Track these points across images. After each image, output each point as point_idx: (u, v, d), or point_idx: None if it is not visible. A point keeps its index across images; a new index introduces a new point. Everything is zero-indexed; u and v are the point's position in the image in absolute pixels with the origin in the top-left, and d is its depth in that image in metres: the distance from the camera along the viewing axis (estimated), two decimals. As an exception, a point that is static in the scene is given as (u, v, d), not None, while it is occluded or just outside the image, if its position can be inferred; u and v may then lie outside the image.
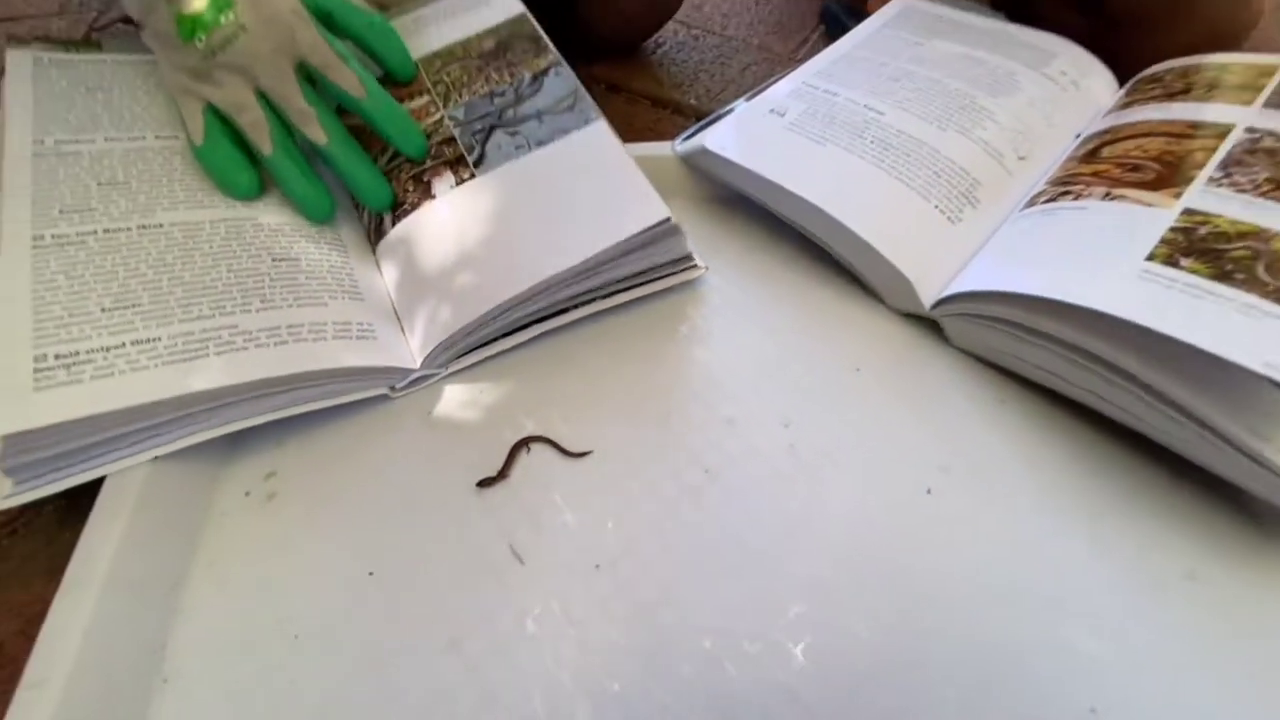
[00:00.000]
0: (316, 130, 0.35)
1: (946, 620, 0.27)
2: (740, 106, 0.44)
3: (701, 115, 0.52)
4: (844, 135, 0.40)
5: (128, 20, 0.50)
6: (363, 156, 0.36)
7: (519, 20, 0.42)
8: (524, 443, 0.32)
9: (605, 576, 0.28)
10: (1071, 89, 0.44)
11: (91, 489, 0.27)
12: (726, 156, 0.40)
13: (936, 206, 0.37)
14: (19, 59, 0.37)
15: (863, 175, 0.38)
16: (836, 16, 0.61)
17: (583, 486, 0.31)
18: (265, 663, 0.26)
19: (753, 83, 0.56)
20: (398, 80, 0.40)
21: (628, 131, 0.51)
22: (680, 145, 0.44)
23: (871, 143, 0.39)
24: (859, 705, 0.25)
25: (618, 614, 0.27)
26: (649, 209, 0.34)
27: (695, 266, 0.38)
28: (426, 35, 0.42)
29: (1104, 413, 0.32)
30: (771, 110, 0.42)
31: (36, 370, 0.26)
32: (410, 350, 0.34)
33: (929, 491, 0.31)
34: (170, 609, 0.27)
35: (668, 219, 0.33)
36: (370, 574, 0.28)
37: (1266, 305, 0.27)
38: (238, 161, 0.34)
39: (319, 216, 0.36)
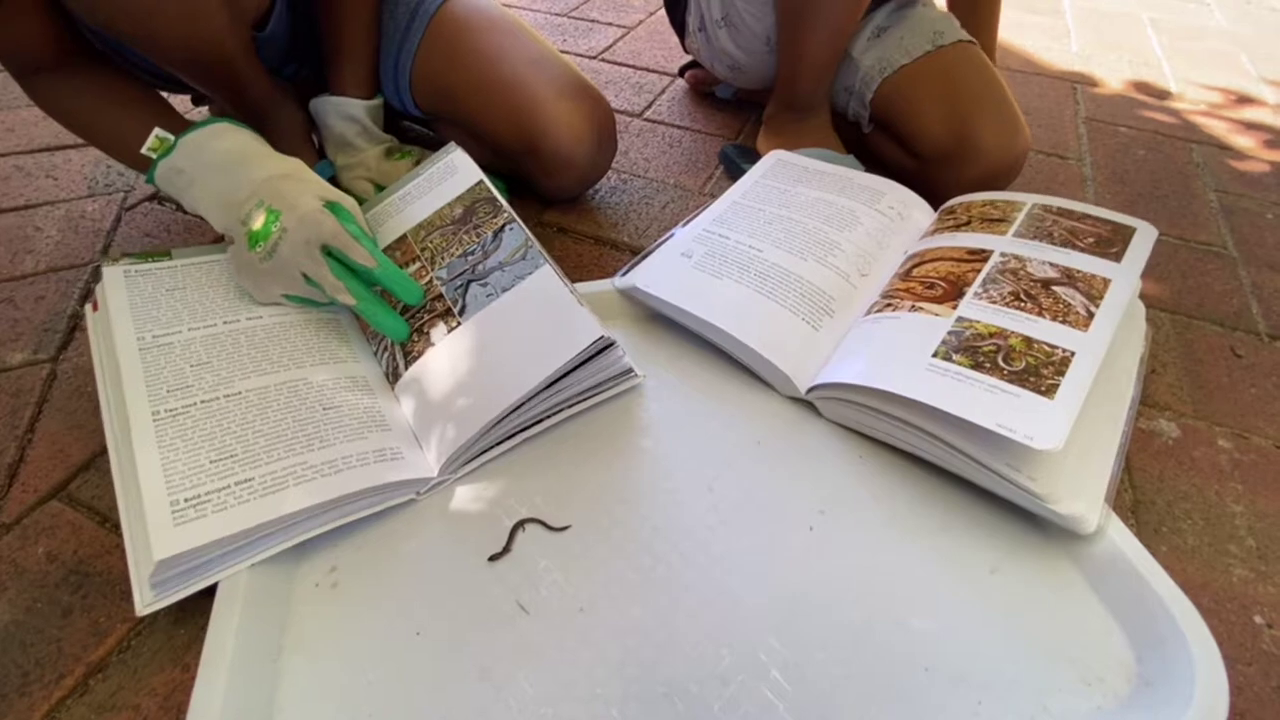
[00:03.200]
0: (347, 297, 0.48)
1: (826, 613, 0.39)
2: (659, 249, 0.59)
3: (635, 250, 0.67)
4: (734, 270, 0.54)
5: (155, 197, 0.64)
6: (382, 303, 0.49)
7: (478, 187, 0.56)
8: (520, 524, 0.43)
9: (588, 616, 0.39)
10: (898, 219, 0.60)
11: (203, 593, 0.37)
12: (651, 292, 0.54)
13: (804, 319, 0.52)
14: (113, 273, 0.48)
15: (749, 300, 0.52)
16: (732, 158, 0.78)
17: (566, 552, 0.42)
18: (348, 705, 0.36)
19: (672, 217, 0.72)
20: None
21: (576, 268, 0.65)
22: (618, 281, 0.58)
23: (754, 275, 0.54)
24: (768, 660, 0.37)
25: (596, 640, 0.38)
26: (587, 333, 0.45)
27: (635, 376, 0.51)
28: (412, 210, 0.56)
29: (928, 459, 0.46)
30: (682, 254, 0.57)
31: (173, 511, 0.37)
32: (428, 463, 0.45)
33: (811, 529, 0.44)
34: (274, 677, 0.37)
35: (602, 337, 0.45)
36: (417, 634, 0.39)
37: (1003, 385, 0.42)
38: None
39: (401, 337, 0.49)
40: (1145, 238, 0.51)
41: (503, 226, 0.53)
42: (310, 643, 0.39)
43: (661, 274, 0.55)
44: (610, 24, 1.13)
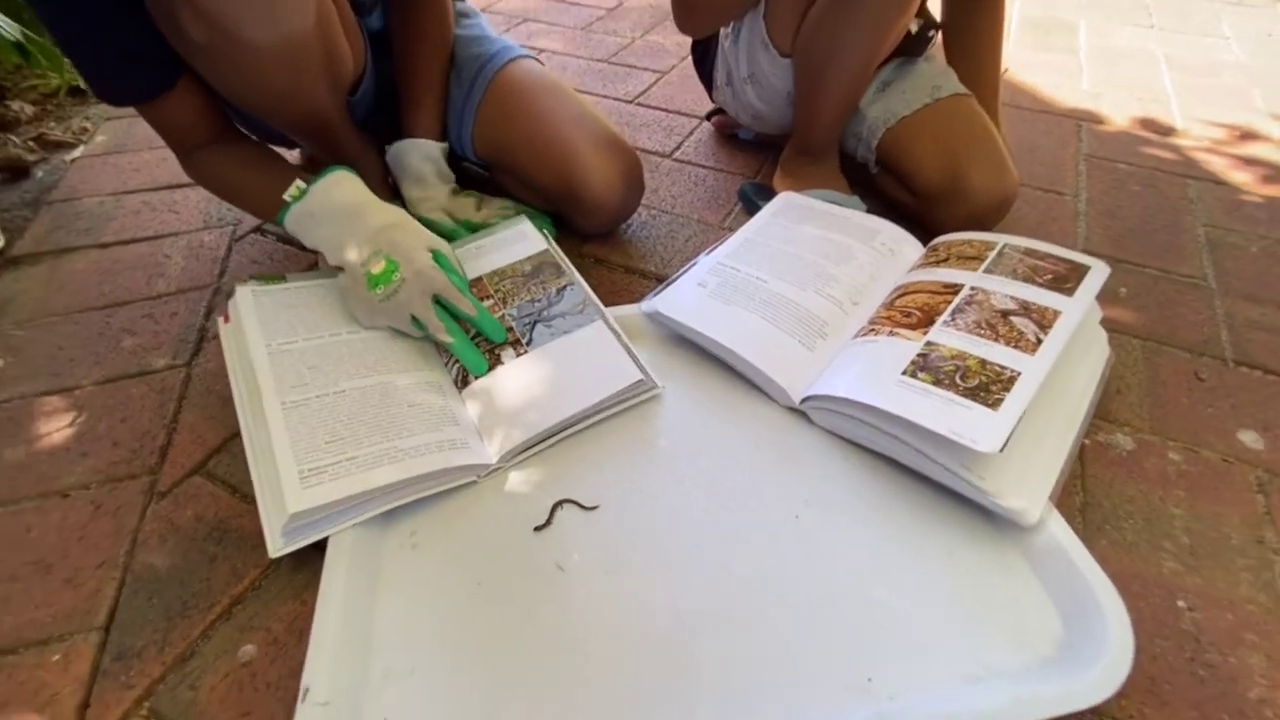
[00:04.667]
0: (445, 336, 0.59)
1: (802, 583, 0.49)
2: (680, 279, 0.69)
3: (660, 278, 0.77)
4: (742, 298, 0.64)
5: (258, 229, 0.78)
6: (470, 344, 0.60)
7: (545, 253, 0.69)
8: (559, 503, 0.54)
9: (612, 577, 0.49)
10: (890, 255, 0.69)
11: (313, 550, 0.49)
12: (672, 316, 0.64)
13: (799, 341, 0.61)
14: (244, 293, 0.61)
15: (754, 324, 0.62)
16: (749, 196, 0.88)
17: (595, 526, 0.53)
18: (424, 635, 0.47)
19: (694, 250, 0.82)
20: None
21: (610, 294, 0.76)
22: (644, 306, 0.68)
23: (759, 303, 0.64)
24: (749, 616, 0.46)
25: (618, 595, 0.48)
26: (627, 375, 0.59)
27: (656, 388, 0.61)
28: (488, 259, 0.69)
29: (901, 461, 0.55)
30: (698, 284, 0.67)
31: (300, 478, 0.48)
32: (488, 453, 0.56)
33: (797, 517, 0.53)
34: (370, 610, 0.48)
35: (640, 381, 0.58)
36: (478, 584, 0.49)
37: (958, 399, 0.50)
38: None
39: (480, 371, 0.60)
40: (1097, 275, 0.59)
41: (565, 286, 0.66)
42: (396, 587, 0.50)
43: (681, 301, 0.66)
44: (647, 69, 1.25)
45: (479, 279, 0.68)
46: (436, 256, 0.61)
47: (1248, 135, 1.08)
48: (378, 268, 0.58)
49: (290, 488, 0.48)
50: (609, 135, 0.77)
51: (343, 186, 0.63)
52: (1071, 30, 1.44)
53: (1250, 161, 1.02)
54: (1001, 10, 0.84)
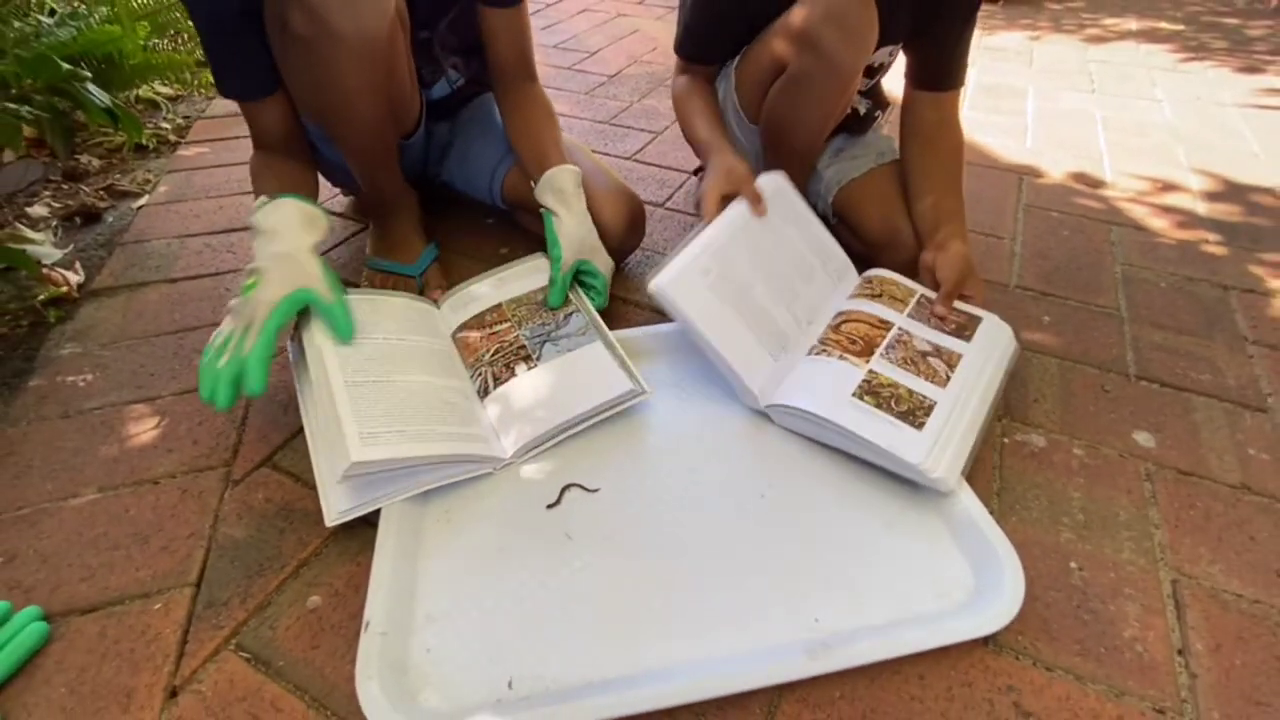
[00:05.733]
0: (239, 352, 0.65)
1: (765, 545, 0.60)
2: (686, 258, 0.73)
3: (653, 309, 0.91)
4: (734, 298, 0.73)
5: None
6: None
7: None
8: (567, 486, 0.66)
9: (615, 540, 0.61)
10: (837, 280, 0.83)
11: (362, 525, 0.60)
12: (677, 305, 0.70)
13: (768, 351, 0.74)
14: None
15: (740, 332, 0.73)
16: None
17: (597, 504, 0.64)
18: (460, 591, 0.58)
19: (681, 283, 0.96)
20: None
21: (611, 320, 0.89)
22: (652, 286, 0.70)
23: (747, 309, 0.73)
24: (719, 568, 0.57)
25: (617, 554, 0.60)
26: (619, 386, 0.71)
27: (646, 393, 0.73)
28: (508, 288, 0.83)
29: (849, 451, 0.67)
30: (703, 271, 0.73)
31: (360, 436, 0.60)
32: (504, 448, 0.68)
33: (763, 496, 0.65)
34: (413, 572, 0.59)
35: (630, 390, 0.70)
36: (500, 550, 0.61)
37: (893, 419, 0.63)
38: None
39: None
40: (989, 325, 0.75)
41: (571, 312, 0.80)
42: (435, 552, 0.61)
43: (685, 288, 0.71)
44: (643, 129, 1.42)
45: (498, 305, 0.81)
46: (296, 296, 0.66)
47: (1169, 187, 1.24)
48: (246, 280, 0.67)
49: (353, 443, 0.59)
50: (619, 183, 0.93)
51: (281, 210, 0.69)
52: (1020, 95, 1.62)
53: (1168, 210, 1.17)
54: (954, 153, 0.89)
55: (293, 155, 0.84)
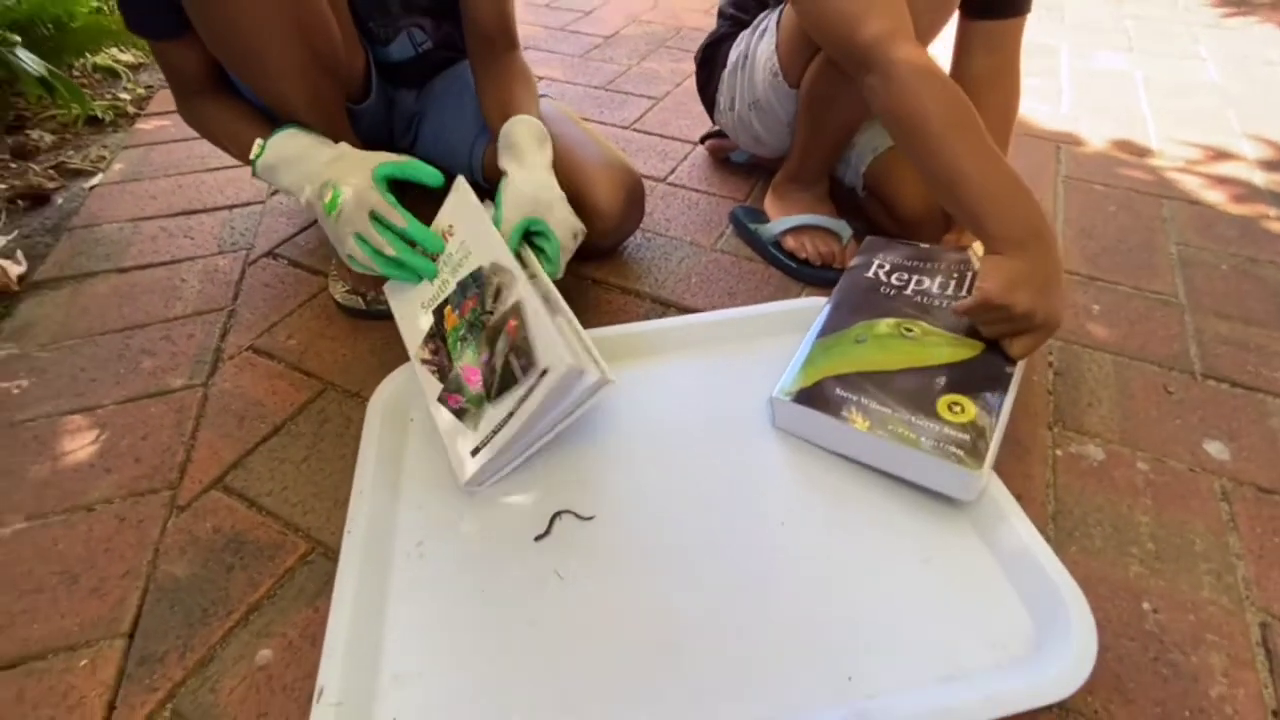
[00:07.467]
0: (389, 250, 0.65)
1: (793, 588, 0.51)
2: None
3: (655, 299, 0.81)
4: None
5: (270, 254, 0.79)
6: (413, 253, 0.66)
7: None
8: (558, 514, 0.57)
9: (609, 582, 0.52)
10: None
11: (324, 555, 0.52)
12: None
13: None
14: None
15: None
16: (740, 219, 0.92)
17: (592, 533, 0.56)
18: (432, 639, 0.49)
19: (685, 272, 0.86)
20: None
21: (606, 314, 0.80)
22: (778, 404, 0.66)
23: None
24: (748, 624, 0.49)
25: (617, 599, 0.51)
26: (592, 379, 0.56)
27: (610, 382, 0.58)
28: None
29: (873, 465, 0.58)
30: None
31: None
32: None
33: (782, 524, 0.56)
34: (380, 616, 0.51)
35: (600, 378, 0.56)
36: (481, 591, 0.52)
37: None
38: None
39: (431, 275, 0.67)
40: None
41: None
42: (405, 593, 0.53)
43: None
44: (642, 95, 1.30)
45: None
46: (382, 170, 0.65)
47: (1222, 155, 1.12)
48: (327, 197, 0.64)
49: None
50: (614, 156, 0.81)
51: (294, 139, 0.68)
52: (1053, 54, 1.49)
53: (1223, 181, 1.06)
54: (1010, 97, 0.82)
55: (234, 95, 0.74)
